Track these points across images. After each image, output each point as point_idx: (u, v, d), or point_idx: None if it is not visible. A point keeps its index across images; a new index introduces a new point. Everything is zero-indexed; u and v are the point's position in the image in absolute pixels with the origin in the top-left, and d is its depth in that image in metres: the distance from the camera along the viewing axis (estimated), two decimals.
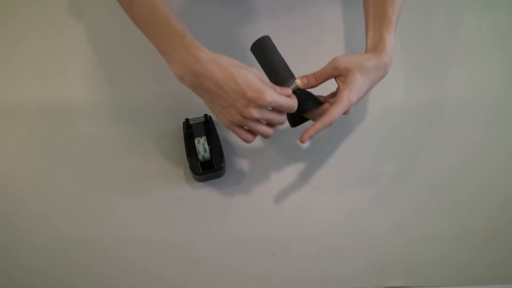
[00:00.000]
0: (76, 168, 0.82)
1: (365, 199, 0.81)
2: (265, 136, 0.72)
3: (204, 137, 0.79)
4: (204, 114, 0.81)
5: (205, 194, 0.81)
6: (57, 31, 0.92)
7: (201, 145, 0.78)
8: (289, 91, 0.71)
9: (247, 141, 0.73)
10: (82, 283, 0.75)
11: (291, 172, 0.82)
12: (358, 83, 0.71)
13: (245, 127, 0.72)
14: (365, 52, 0.75)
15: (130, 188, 0.81)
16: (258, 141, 0.84)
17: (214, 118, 0.82)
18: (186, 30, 0.69)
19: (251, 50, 0.75)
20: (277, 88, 0.70)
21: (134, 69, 0.89)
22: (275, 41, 0.74)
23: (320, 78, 0.73)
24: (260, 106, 0.67)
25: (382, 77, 0.75)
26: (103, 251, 0.77)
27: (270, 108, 0.70)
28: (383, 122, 0.86)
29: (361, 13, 0.80)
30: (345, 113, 0.73)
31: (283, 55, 0.74)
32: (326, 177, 0.82)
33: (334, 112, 0.70)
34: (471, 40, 0.94)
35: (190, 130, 0.80)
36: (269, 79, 0.73)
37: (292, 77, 0.73)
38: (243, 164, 0.83)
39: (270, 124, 0.72)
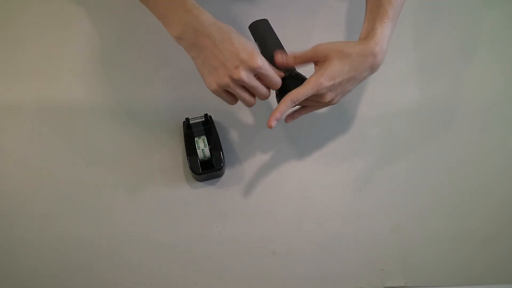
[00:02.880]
0: (76, 168, 0.82)
1: (365, 199, 0.81)
2: (247, 104, 0.73)
3: (204, 136, 0.79)
4: (204, 114, 0.81)
5: (205, 194, 0.81)
6: (58, 31, 0.92)
7: (201, 145, 0.78)
8: (280, 73, 0.72)
9: (230, 104, 0.74)
10: (82, 283, 0.75)
11: (291, 171, 0.82)
12: (333, 69, 0.69)
13: (231, 92, 0.72)
14: (359, 39, 0.73)
15: (130, 188, 0.81)
16: (258, 141, 0.84)
17: (214, 117, 0.82)
18: None
19: (249, 28, 0.78)
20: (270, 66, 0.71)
21: (134, 69, 0.89)
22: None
23: (298, 59, 0.72)
24: (250, 70, 0.68)
25: (371, 66, 0.71)
26: (103, 251, 0.77)
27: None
28: (383, 122, 0.86)
29: (363, 2, 0.80)
30: (329, 102, 0.73)
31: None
32: (326, 177, 0.82)
33: (297, 92, 0.69)
34: (470, 40, 0.94)
35: (190, 130, 0.80)
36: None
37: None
38: (243, 163, 0.83)
39: (253, 94, 0.73)
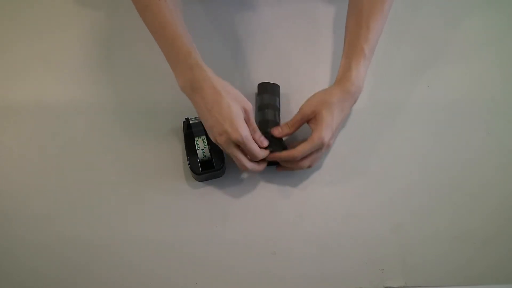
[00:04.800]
0: (76, 168, 0.82)
1: (365, 199, 0.81)
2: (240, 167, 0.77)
3: (204, 136, 0.79)
4: None
5: (205, 194, 0.81)
6: (58, 31, 0.92)
7: (201, 145, 0.78)
8: (264, 142, 0.76)
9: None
10: (82, 283, 0.75)
11: (291, 172, 0.82)
12: (327, 120, 0.75)
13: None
14: (336, 78, 0.78)
15: (130, 188, 0.81)
16: None
17: None
18: (193, 47, 0.73)
19: (258, 86, 0.85)
20: (257, 134, 0.76)
21: (134, 70, 0.89)
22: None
23: (293, 126, 0.78)
24: (232, 140, 0.72)
25: (353, 104, 0.79)
26: (103, 251, 0.77)
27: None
28: (383, 122, 0.86)
29: None
30: (323, 149, 0.77)
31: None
32: (326, 177, 0.82)
33: (301, 149, 0.75)
34: (470, 40, 0.94)
35: (190, 130, 0.80)
36: (256, 118, 0.81)
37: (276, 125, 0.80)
38: None
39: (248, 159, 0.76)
